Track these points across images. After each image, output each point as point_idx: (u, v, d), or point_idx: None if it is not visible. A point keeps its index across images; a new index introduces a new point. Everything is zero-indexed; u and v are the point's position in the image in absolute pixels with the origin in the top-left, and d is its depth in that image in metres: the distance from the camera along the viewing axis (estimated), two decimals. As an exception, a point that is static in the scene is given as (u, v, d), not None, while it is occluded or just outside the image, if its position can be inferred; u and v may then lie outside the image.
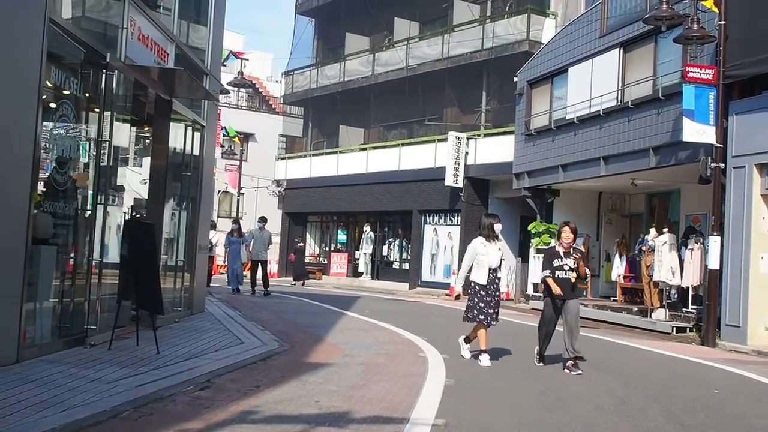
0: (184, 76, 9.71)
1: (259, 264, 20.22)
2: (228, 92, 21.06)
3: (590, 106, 18.88)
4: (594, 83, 18.99)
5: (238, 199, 35.31)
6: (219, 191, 40.81)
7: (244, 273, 21.38)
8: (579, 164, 19.49)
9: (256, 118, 42.29)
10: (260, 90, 47.98)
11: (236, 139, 35.53)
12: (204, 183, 12.68)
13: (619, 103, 17.86)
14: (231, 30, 55.34)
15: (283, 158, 33.99)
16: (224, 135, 35.68)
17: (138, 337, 8.57)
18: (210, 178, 13.58)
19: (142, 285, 8.21)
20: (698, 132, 14.14)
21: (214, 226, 26.48)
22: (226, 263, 24.11)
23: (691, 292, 16.20)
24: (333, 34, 34.46)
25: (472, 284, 9.57)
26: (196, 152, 12.34)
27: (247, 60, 21.14)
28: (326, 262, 32.29)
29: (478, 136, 25.78)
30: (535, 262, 21.67)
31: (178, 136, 11.51)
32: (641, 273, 18.54)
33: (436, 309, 19.46)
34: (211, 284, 24.00)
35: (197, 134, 12.38)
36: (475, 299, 9.49)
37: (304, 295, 20.63)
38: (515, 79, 22.86)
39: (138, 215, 10.34)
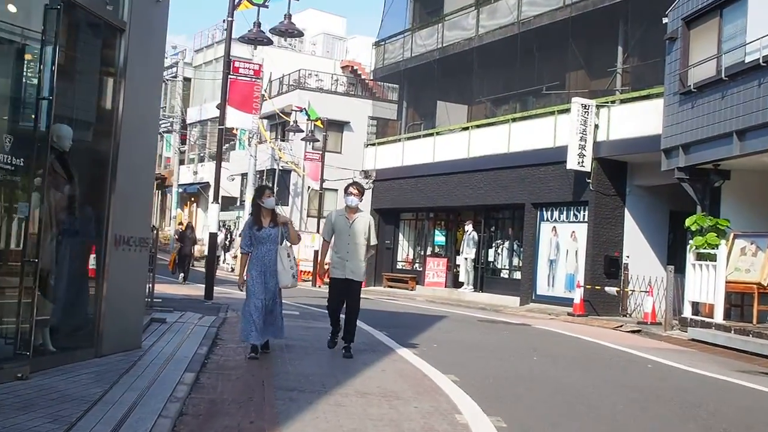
0: None
1: (348, 287, 9.13)
2: (271, 42, 15.85)
3: (786, 39, 12.56)
4: (791, 4, 12.68)
5: (321, 194, 30.00)
6: (309, 188, 36.00)
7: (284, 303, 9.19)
8: (766, 128, 13.12)
9: (352, 104, 37.01)
10: (362, 76, 43.01)
11: (319, 123, 30.36)
12: (123, 142, 7.22)
13: (838, 27, 11.48)
14: (331, 13, 50.57)
15: (372, 144, 28.53)
16: (306, 118, 30.70)
17: None
18: (149, 135, 8.04)
19: None
20: None
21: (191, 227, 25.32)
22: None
23: None
24: (431, -7, 28.81)
25: None
26: (103, 84, 6.98)
27: (297, 0, 15.72)
28: (421, 269, 26.57)
29: (612, 103, 19.45)
30: (695, 271, 15.28)
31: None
32: None
33: (547, 338, 13.45)
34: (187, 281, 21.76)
35: (106, 48, 7.05)
36: None
37: (368, 313, 14.83)
38: (665, 20, 16.56)
39: None
